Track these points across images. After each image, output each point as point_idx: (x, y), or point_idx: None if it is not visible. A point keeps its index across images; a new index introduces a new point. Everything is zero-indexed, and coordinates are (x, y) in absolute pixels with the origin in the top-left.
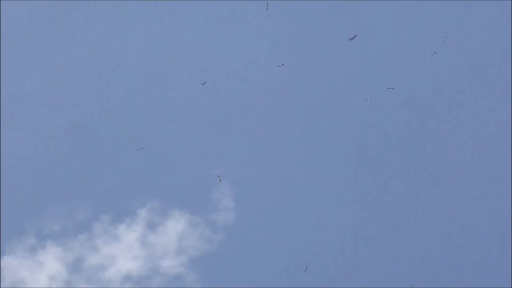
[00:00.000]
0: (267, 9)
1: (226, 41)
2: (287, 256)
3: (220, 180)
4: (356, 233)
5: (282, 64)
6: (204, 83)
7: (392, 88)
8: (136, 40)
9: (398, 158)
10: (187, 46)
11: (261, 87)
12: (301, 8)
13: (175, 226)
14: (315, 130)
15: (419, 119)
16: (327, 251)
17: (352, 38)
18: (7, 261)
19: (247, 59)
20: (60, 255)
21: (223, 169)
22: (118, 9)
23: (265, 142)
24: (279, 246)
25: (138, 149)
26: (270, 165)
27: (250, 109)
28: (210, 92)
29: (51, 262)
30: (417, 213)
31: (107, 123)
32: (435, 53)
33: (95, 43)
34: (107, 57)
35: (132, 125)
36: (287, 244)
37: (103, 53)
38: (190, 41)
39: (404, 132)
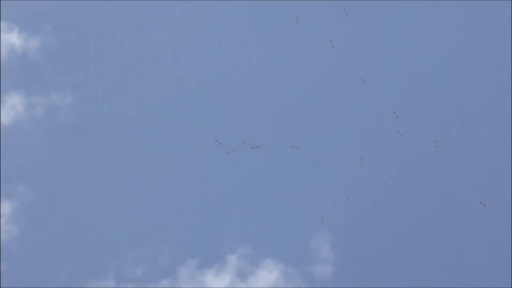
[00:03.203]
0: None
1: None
2: None
3: (322, 221)
4: None
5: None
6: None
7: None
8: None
9: None
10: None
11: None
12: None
13: (268, 277)
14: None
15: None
16: None
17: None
18: None
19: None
20: None
21: (321, 214)
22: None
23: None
24: None
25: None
26: (371, 211)
27: (349, 155)
28: (307, 137)
29: None
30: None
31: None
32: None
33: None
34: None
35: (226, 165)
36: None
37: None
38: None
39: None
